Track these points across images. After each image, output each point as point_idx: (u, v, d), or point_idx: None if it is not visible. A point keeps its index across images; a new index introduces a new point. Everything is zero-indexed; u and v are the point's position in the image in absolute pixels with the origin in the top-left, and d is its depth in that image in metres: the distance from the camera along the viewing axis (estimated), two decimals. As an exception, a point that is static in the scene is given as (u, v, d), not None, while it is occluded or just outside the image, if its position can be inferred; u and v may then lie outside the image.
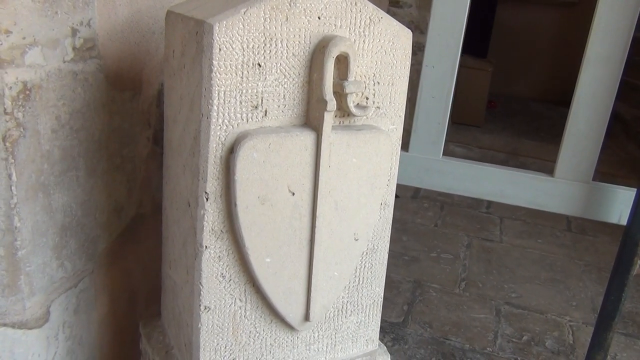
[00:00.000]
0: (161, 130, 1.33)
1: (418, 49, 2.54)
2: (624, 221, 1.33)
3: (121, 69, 1.18)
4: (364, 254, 1.09)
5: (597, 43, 1.26)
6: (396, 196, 3.40)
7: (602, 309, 1.33)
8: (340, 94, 0.93)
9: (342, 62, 0.91)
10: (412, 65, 1.04)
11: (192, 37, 0.87)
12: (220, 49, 0.83)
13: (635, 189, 1.27)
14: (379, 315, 1.17)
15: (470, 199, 3.30)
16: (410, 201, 3.21)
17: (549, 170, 1.47)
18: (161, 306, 1.21)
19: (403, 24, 0.98)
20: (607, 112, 1.30)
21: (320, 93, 0.90)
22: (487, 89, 5.02)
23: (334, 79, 0.91)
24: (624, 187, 1.38)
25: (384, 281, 1.15)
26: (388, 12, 3.76)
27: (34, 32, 0.94)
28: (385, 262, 1.13)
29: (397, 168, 1.07)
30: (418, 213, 3.06)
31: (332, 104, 0.90)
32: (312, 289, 1.01)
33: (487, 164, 1.46)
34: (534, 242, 2.84)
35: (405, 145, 1.49)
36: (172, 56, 0.97)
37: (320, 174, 0.94)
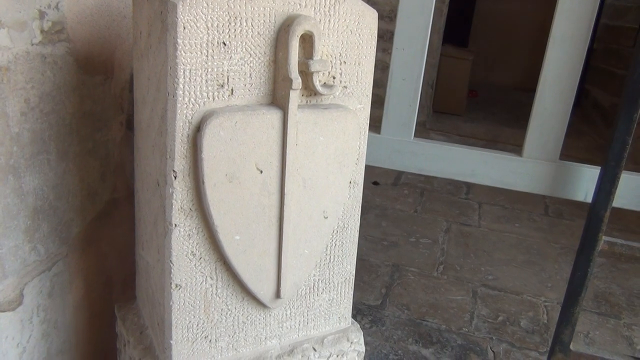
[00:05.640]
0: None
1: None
2: (589, 199, 1.36)
3: (91, 53, 1.19)
4: (334, 231, 1.10)
5: (561, 23, 1.29)
6: (377, 183, 3.41)
7: (569, 285, 1.37)
8: (306, 73, 0.94)
9: (307, 41, 0.93)
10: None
11: (157, 17, 0.88)
12: (184, 28, 0.84)
13: (600, 167, 1.30)
14: (351, 292, 1.19)
15: (450, 184, 3.34)
16: (391, 188, 3.24)
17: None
18: (136, 288, 1.23)
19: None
20: (572, 91, 1.33)
21: (286, 72, 0.91)
22: (468, 78, 5.07)
23: (299, 58, 0.93)
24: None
25: (355, 259, 1.17)
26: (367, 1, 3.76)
27: (0, 13, 0.94)
28: (356, 240, 1.15)
29: (366, 147, 1.09)
30: (398, 199, 3.09)
31: (297, 82, 0.91)
32: (282, 266, 1.03)
33: (457, 145, 1.49)
34: (511, 226, 2.89)
35: (377, 128, 1.51)
36: (140, 37, 0.98)
37: (287, 152, 0.95)
